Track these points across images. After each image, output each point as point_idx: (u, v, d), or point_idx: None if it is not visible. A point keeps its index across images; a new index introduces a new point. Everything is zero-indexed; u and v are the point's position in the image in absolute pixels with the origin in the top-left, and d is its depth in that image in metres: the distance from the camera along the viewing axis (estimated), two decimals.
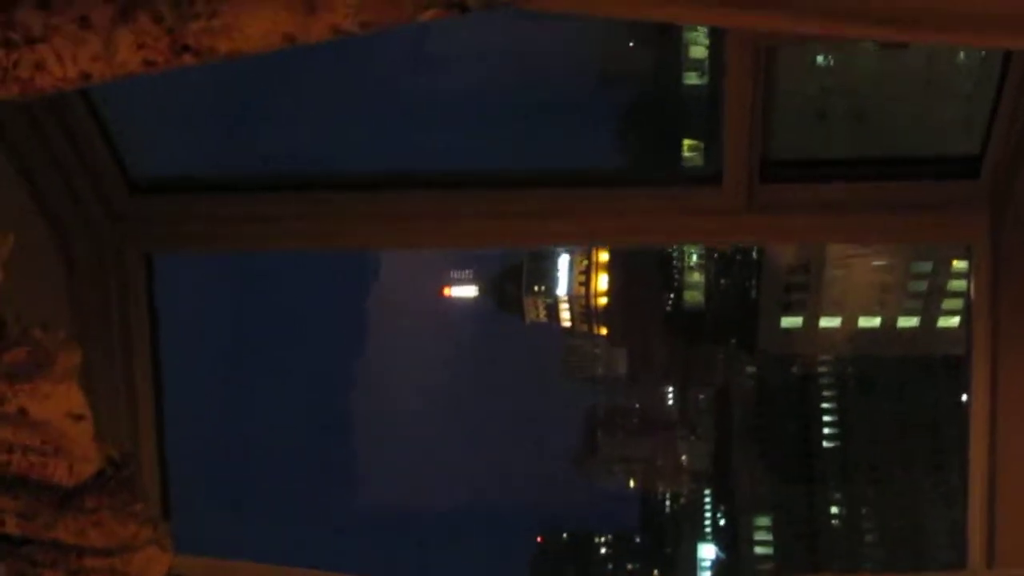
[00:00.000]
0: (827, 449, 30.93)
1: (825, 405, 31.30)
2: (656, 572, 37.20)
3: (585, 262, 35.97)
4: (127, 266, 3.24)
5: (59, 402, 2.34)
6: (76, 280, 3.17)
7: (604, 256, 35.49)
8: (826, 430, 31.14)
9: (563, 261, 36.36)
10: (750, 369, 32.58)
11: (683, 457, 36.14)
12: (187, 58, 1.39)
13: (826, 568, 30.14)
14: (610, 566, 37.22)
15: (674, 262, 31.77)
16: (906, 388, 29.08)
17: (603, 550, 37.26)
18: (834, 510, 29.93)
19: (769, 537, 31.07)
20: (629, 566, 37.25)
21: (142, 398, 3.20)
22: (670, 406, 36.02)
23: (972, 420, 2.94)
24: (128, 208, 3.25)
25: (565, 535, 37.76)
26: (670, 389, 35.95)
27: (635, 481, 36.94)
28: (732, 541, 32.84)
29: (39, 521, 2.51)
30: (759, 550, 31.52)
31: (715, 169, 2.99)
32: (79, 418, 2.37)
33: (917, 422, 28.67)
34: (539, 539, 37.72)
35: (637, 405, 36.50)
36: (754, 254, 28.43)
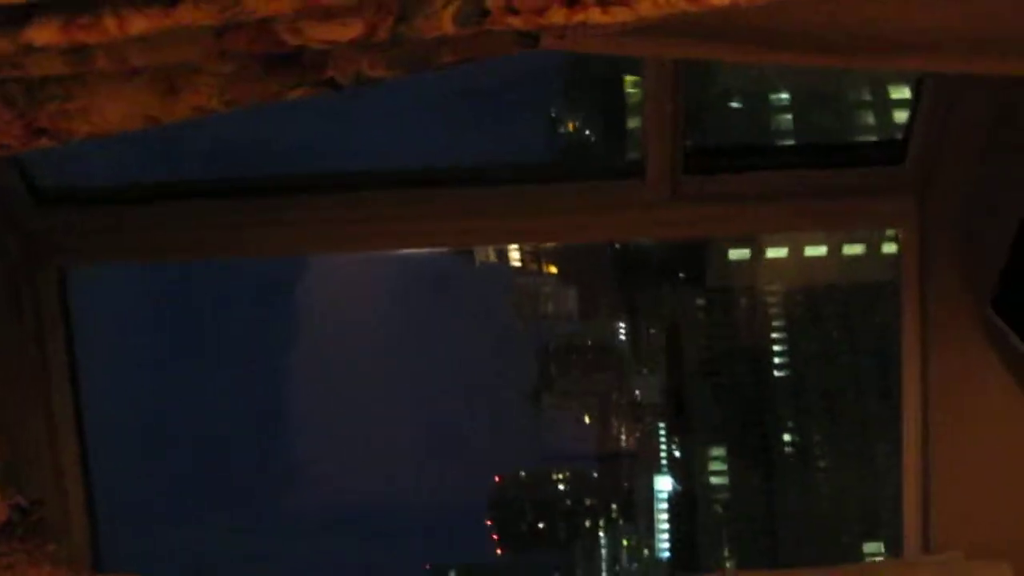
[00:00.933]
0: (779, 379, 31.26)
1: (775, 335, 31.56)
2: (614, 506, 37.56)
3: None
4: (39, 283, 3.15)
5: None
6: None
7: None
8: (777, 360, 31.44)
9: None
10: (700, 303, 32.71)
11: (636, 392, 36.36)
12: (44, 140, 1.31)
13: (781, 491, 30.62)
14: (568, 502, 37.55)
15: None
16: (853, 315, 29.37)
17: (561, 486, 37.56)
18: (787, 438, 30.30)
19: (724, 467, 31.45)
20: (587, 501, 37.58)
21: (62, 420, 3.12)
22: (622, 342, 36.18)
23: (904, 410, 2.93)
24: (36, 221, 3.15)
25: (523, 473, 38.03)
26: (621, 325, 36.09)
27: (590, 417, 37.17)
28: (687, 473, 33.22)
29: None
30: (714, 480, 31.91)
31: (637, 162, 2.94)
32: None
33: (865, 348, 29.02)
34: (497, 479, 37.96)
35: (589, 342, 36.64)
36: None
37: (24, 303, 3.12)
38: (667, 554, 34.71)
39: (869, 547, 28.55)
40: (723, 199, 2.89)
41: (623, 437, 36.25)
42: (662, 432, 34.57)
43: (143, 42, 1.16)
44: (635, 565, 35.30)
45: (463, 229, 2.95)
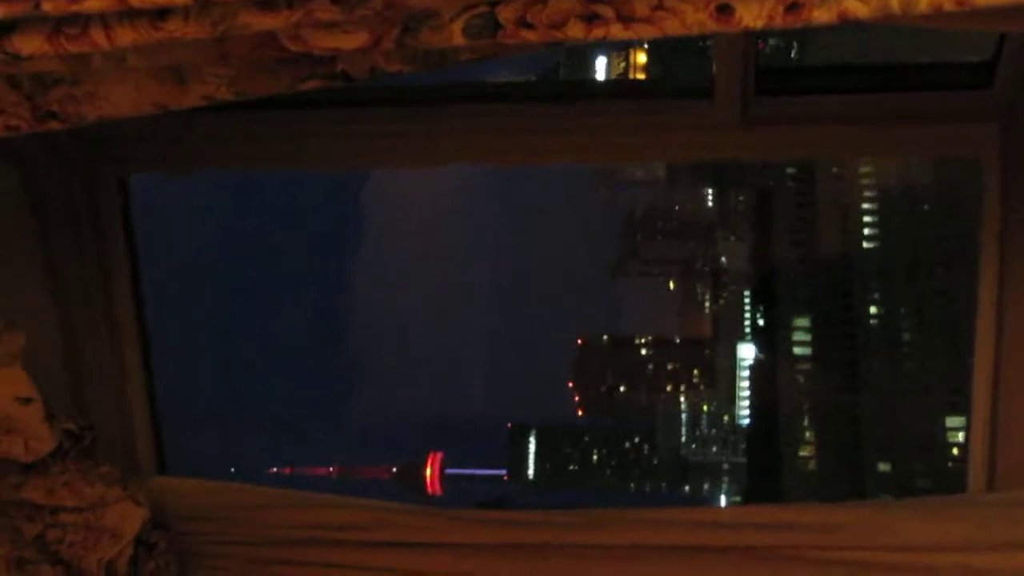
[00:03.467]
0: (867, 250, 30.79)
1: (866, 206, 30.98)
2: (696, 372, 37.71)
3: (623, 64, 35.23)
4: (99, 193, 3.12)
5: (5, 386, 2.29)
6: (46, 215, 3.06)
7: (642, 58, 34.70)
8: (866, 231, 30.92)
9: (600, 64, 35.58)
10: (790, 170, 32.16)
11: (722, 259, 36.13)
12: (53, 124, 1.26)
13: (865, 363, 30.39)
14: (650, 366, 37.76)
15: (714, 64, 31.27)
16: (944, 189, 28.68)
17: (643, 351, 37.74)
18: (872, 310, 29.97)
19: (807, 338, 31.27)
20: (669, 366, 37.76)
21: (126, 333, 3.11)
22: (709, 208, 35.83)
23: (977, 342, 2.81)
24: (95, 128, 3.10)
25: (605, 337, 38.22)
26: (709, 191, 35.69)
27: (674, 283, 37.10)
28: (770, 341, 33.10)
29: (8, 481, 2.50)
30: (797, 350, 31.76)
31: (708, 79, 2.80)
32: (28, 401, 2.33)
33: (955, 222, 28.35)
34: (580, 341, 38.21)
35: (676, 207, 36.35)
36: (793, 53, 27.67)
37: (84, 213, 3.10)
38: (747, 421, 34.94)
39: (952, 421, 28.38)
40: (796, 121, 2.75)
41: (707, 304, 36.19)
42: (747, 300, 34.46)
43: (138, 48, 1.10)
44: (714, 431, 35.59)
45: (522, 146, 2.85)
